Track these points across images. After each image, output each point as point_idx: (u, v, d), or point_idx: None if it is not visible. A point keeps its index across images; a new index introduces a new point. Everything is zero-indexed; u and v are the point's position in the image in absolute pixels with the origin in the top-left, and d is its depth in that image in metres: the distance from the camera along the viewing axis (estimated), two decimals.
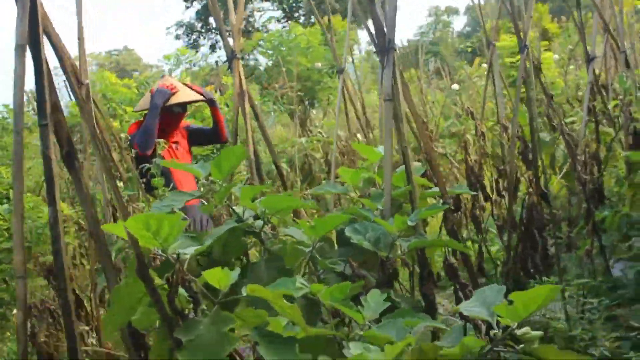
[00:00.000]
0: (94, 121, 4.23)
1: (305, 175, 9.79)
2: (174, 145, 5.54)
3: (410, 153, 3.38)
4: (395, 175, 3.49)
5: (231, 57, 3.74)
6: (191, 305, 2.30)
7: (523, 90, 4.90)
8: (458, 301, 2.96)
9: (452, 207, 3.52)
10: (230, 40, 3.72)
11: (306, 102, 11.09)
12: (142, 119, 5.66)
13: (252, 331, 2.21)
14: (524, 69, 4.59)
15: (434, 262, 3.50)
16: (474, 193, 3.78)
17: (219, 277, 2.16)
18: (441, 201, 3.48)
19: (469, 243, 4.68)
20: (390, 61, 3.28)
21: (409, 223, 2.97)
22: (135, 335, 2.33)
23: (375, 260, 3.18)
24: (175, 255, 2.17)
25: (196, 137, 5.81)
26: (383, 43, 3.28)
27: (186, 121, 5.95)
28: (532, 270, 3.46)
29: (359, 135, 8.62)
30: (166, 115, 5.45)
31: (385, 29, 3.27)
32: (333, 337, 2.50)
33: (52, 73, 2.94)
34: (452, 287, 4.25)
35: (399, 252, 3.10)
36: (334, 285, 2.63)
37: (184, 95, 5.47)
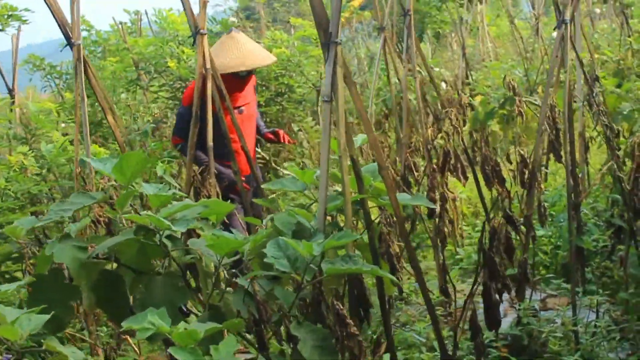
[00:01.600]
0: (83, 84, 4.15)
1: (400, 118, 9.36)
2: (236, 111, 4.88)
3: (355, 161, 2.99)
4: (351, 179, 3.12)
5: (195, 32, 3.45)
6: None
7: None
8: None
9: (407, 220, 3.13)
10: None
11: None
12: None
13: None
14: (559, 42, 3.96)
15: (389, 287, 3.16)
16: (433, 206, 3.30)
17: (10, 332, 1.97)
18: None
19: None
20: (331, 57, 2.88)
21: (314, 253, 2.64)
22: None
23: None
24: None
25: None
26: (324, 36, 2.88)
27: (254, 77, 5.33)
28: (492, 300, 3.01)
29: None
30: (230, 78, 4.76)
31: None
32: None
33: None
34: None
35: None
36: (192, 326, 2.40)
37: (252, 59, 4.88)
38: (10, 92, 6.66)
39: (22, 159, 5.19)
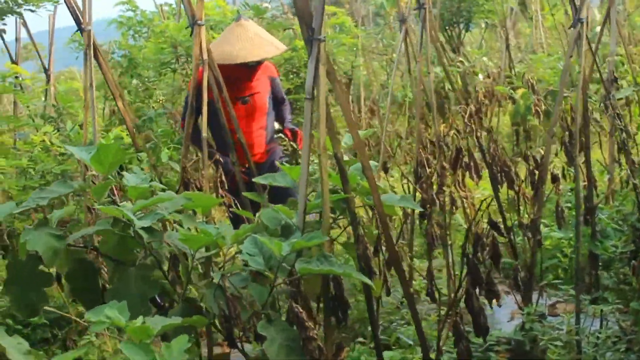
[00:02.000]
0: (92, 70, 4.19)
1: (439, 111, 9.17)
2: (240, 101, 4.79)
3: (339, 159, 2.94)
4: (334, 176, 3.08)
5: (192, 23, 3.43)
6: None
7: None
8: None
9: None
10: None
11: (461, 26, 10.24)
12: None
13: None
14: (574, 42, 3.81)
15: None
16: (421, 209, 3.19)
17: None
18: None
19: None
20: (314, 54, 2.82)
21: (283, 252, 2.62)
22: None
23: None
24: None
25: (274, 98, 5.09)
26: (307, 32, 2.82)
27: (271, 67, 5.17)
28: (475, 307, 2.93)
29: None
30: (238, 67, 4.65)
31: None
32: None
33: None
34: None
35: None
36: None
37: (260, 50, 4.68)
38: (46, 71, 6.81)
39: (45, 139, 5.28)
